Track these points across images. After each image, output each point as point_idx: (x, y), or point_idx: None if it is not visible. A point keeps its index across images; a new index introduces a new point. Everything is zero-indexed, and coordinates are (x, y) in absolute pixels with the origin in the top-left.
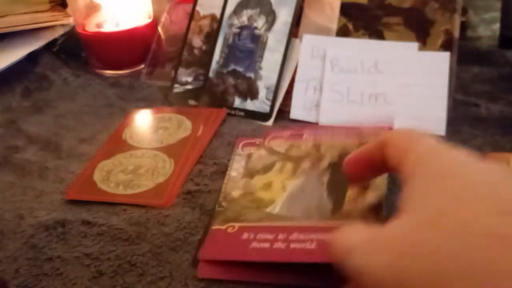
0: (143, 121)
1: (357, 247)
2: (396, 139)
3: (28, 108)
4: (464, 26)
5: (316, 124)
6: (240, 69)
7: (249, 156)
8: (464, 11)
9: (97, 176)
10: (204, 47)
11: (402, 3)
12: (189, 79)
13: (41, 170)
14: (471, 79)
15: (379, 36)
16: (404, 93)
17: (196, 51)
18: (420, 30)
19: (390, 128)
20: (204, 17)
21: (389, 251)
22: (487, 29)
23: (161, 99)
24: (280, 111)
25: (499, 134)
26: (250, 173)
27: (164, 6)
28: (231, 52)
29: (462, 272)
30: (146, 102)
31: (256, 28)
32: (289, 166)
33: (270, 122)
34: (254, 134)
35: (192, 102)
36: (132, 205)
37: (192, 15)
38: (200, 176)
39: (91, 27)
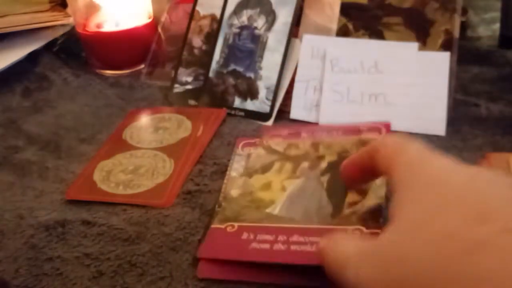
0: (143, 121)
1: (349, 260)
2: (385, 146)
3: (28, 108)
4: (464, 26)
5: (316, 124)
6: (240, 69)
7: (249, 156)
8: (464, 11)
9: (97, 176)
10: (204, 47)
11: (402, 3)
12: (189, 79)
13: (41, 170)
14: (471, 79)
15: (379, 36)
16: (404, 93)
17: (196, 51)
18: (420, 30)
19: (388, 127)
20: (204, 17)
21: (378, 264)
22: (487, 29)
23: (161, 99)
24: (280, 111)
25: (499, 134)
26: (248, 172)
27: (164, 6)
28: (231, 52)
29: (445, 282)
30: (146, 102)
31: (256, 28)
32: (288, 166)
33: (270, 122)
34: (254, 134)
35: (192, 102)
36: (132, 205)
37: (192, 15)
38: (200, 176)
39: (91, 27)
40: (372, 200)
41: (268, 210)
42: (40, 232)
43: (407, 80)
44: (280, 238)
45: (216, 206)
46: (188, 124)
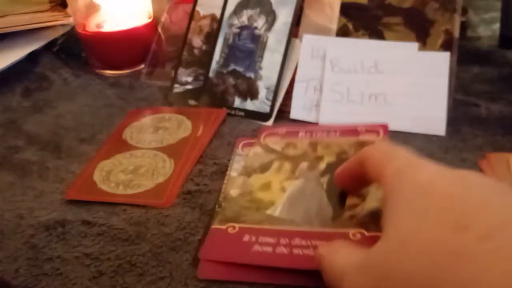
0: (143, 121)
1: (346, 272)
2: (374, 154)
3: (28, 108)
4: (464, 26)
5: (316, 124)
6: (240, 69)
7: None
8: (464, 11)
9: (97, 176)
10: (204, 47)
11: (402, 3)
12: (189, 79)
13: (41, 170)
14: (471, 79)
15: (379, 36)
16: (404, 93)
17: (196, 51)
18: (420, 30)
19: (385, 128)
20: (204, 17)
21: (371, 275)
22: (487, 29)
23: (161, 99)
24: (280, 111)
25: (499, 134)
26: (247, 172)
27: (164, 6)
28: (231, 52)
29: None
30: (146, 102)
31: (256, 28)
32: (287, 166)
33: (270, 122)
34: (254, 134)
35: (192, 102)
36: (132, 205)
37: (192, 15)
38: (200, 176)
39: (91, 27)
40: (371, 202)
41: (268, 212)
42: (40, 232)
43: (407, 80)
44: (282, 241)
45: (216, 206)
46: (188, 124)
